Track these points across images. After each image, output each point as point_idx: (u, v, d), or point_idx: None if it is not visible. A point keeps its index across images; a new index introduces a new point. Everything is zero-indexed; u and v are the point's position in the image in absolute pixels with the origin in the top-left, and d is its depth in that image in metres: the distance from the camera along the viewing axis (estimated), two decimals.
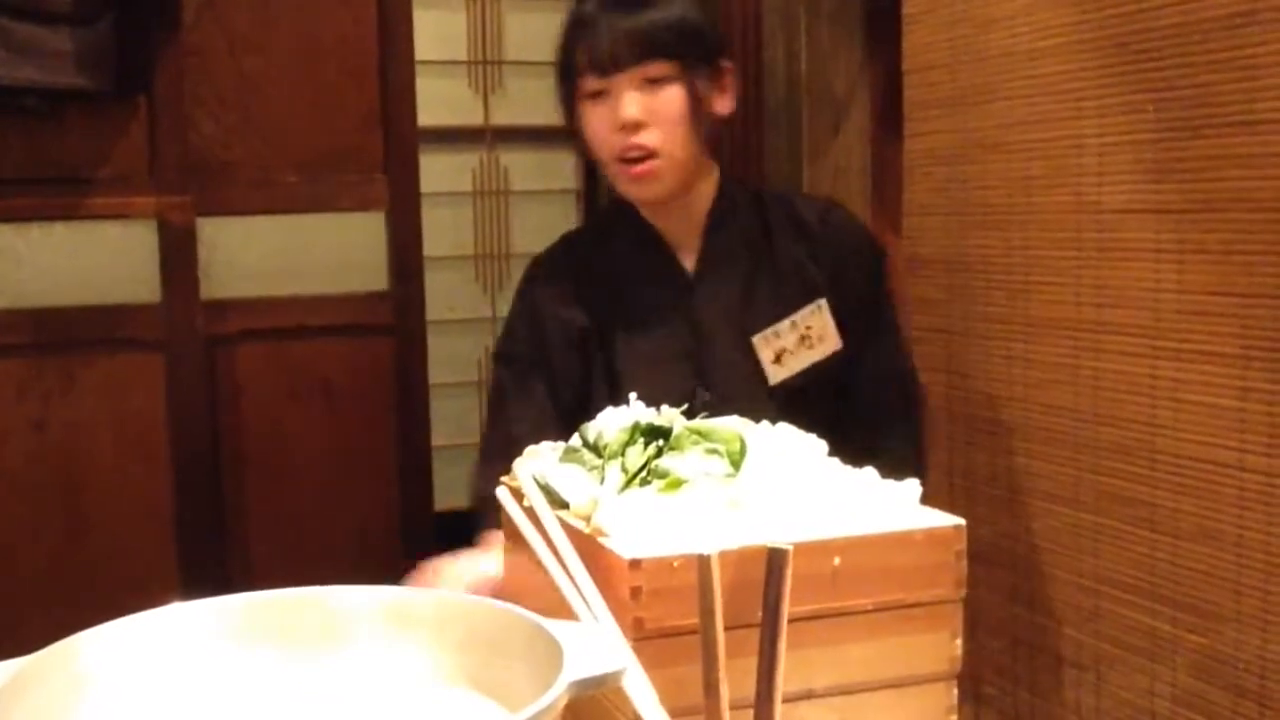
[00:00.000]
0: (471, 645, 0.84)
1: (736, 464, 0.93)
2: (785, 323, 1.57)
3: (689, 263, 1.62)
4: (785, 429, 1.02)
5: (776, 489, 0.92)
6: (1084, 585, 1.44)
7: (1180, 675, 1.32)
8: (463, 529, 2.95)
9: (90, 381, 2.35)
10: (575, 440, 1.04)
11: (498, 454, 1.32)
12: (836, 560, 0.88)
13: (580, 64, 1.53)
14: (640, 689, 0.80)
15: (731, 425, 0.97)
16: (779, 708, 0.79)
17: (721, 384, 1.58)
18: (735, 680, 0.79)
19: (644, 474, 0.94)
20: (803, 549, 0.83)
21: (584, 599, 0.86)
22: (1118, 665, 1.41)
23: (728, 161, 2.38)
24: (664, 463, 0.94)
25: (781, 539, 0.82)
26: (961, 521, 0.91)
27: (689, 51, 1.52)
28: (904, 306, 1.65)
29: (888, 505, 0.93)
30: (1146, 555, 1.35)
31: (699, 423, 0.98)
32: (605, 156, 1.55)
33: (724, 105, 1.59)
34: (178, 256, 2.38)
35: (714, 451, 0.94)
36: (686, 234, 1.62)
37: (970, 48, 1.53)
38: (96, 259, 2.37)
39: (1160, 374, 1.31)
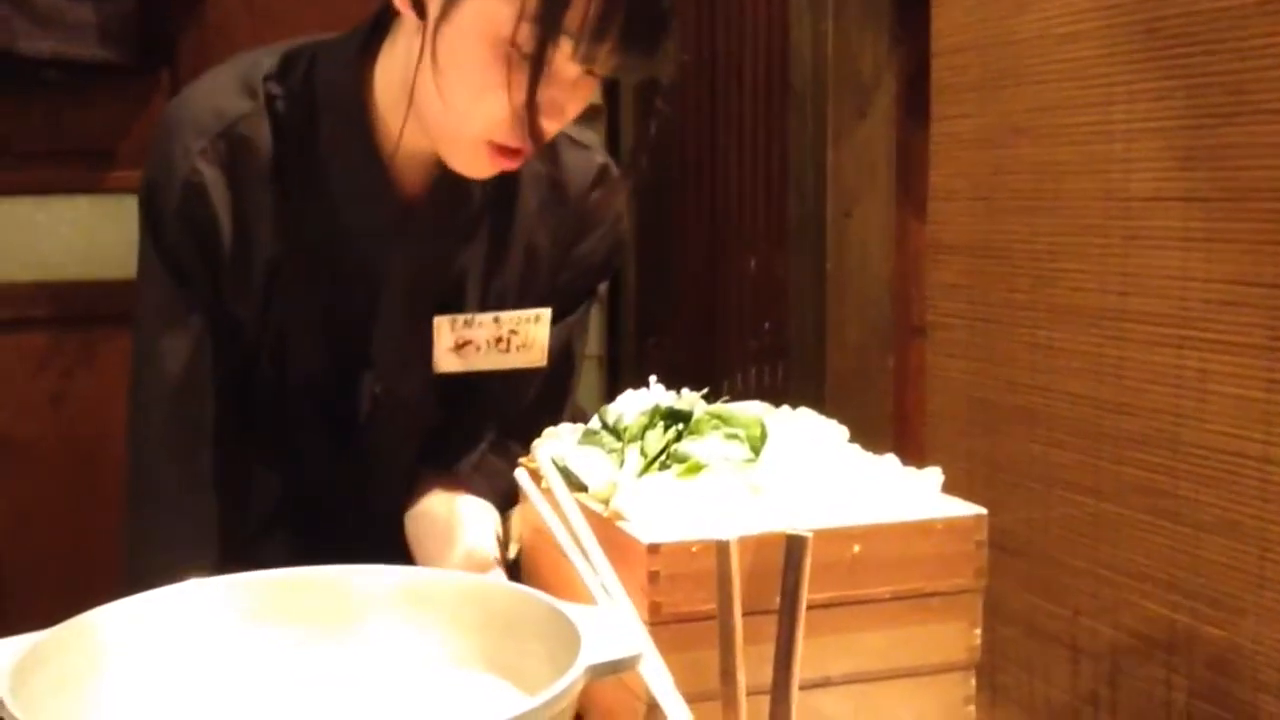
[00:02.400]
0: (487, 627, 0.84)
1: (757, 449, 0.93)
2: (488, 316, 1.24)
3: (409, 188, 1.22)
4: (806, 414, 1.01)
5: (797, 475, 0.91)
6: (1103, 576, 1.43)
7: (1198, 668, 1.31)
8: None
9: (109, 356, 2.36)
10: (594, 422, 1.04)
11: None
12: (856, 548, 0.87)
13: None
14: (656, 674, 0.80)
15: (752, 410, 0.97)
16: (796, 696, 0.78)
17: (385, 356, 1.27)
18: (752, 666, 0.79)
19: (663, 458, 0.94)
20: (822, 536, 0.82)
21: (601, 583, 0.85)
22: (1135, 657, 1.40)
23: (750, 143, 2.37)
24: (684, 447, 0.94)
25: (801, 526, 0.82)
26: (983, 511, 0.90)
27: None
28: (928, 292, 1.64)
29: (909, 493, 0.92)
30: (1167, 546, 1.34)
31: (720, 407, 0.98)
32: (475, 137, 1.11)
33: None
34: None
35: (734, 436, 0.94)
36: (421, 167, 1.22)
37: (1000, 31, 1.51)
38: (117, 233, 2.37)
39: (1186, 364, 1.30)
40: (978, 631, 0.92)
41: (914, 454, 0.98)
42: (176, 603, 0.84)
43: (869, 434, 1.00)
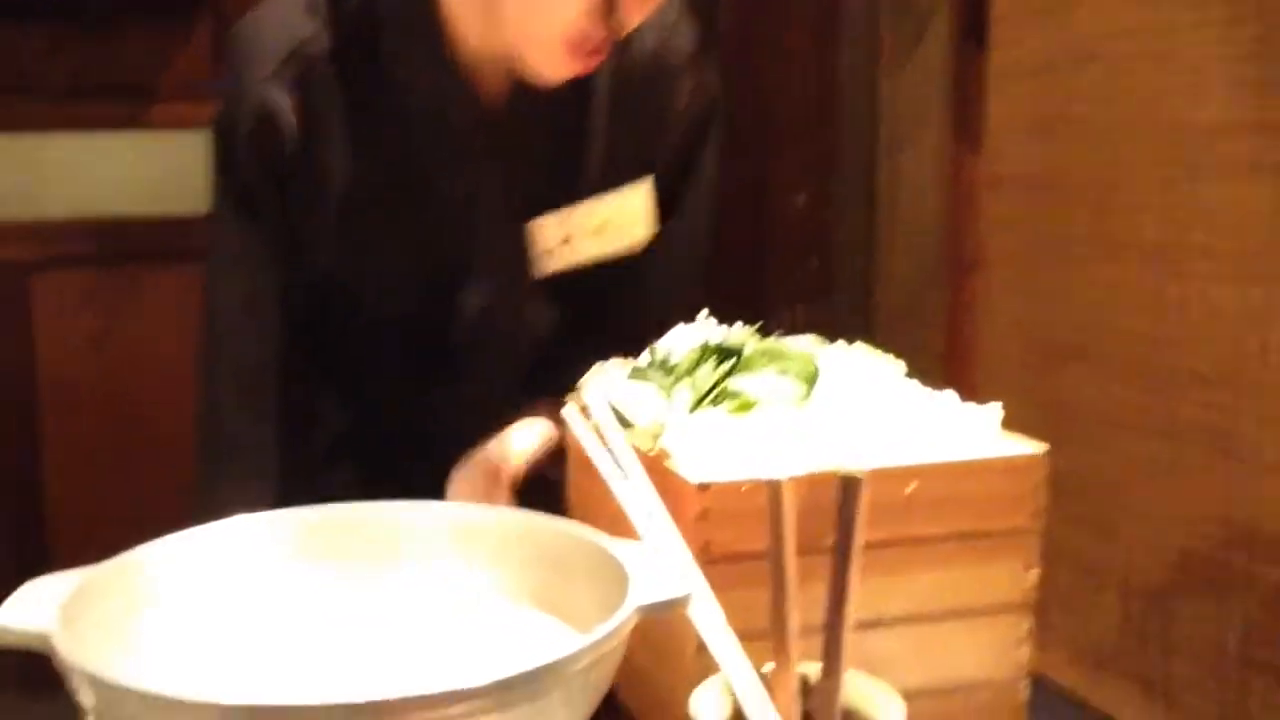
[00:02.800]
0: (534, 564, 0.83)
1: (810, 385, 0.91)
2: (582, 205, 1.20)
3: (487, 99, 1.19)
4: (861, 350, 0.98)
5: (850, 412, 0.89)
6: (1156, 516, 1.41)
7: (1253, 609, 1.29)
8: None
9: (153, 294, 2.36)
10: (644, 358, 1.02)
11: None
12: (911, 487, 0.85)
13: None
14: (706, 613, 0.78)
15: (805, 346, 0.94)
16: (849, 637, 0.77)
17: (483, 270, 1.22)
18: (802, 606, 0.78)
19: (714, 395, 0.92)
20: (876, 475, 0.80)
21: (651, 520, 0.84)
22: (1188, 598, 1.38)
23: (800, 71, 2.31)
24: (735, 383, 0.92)
25: (855, 465, 0.80)
26: (1043, 449, 0.88)
27: None
28: (983, 226, 1.61)
29: (967, 431, 0.90)
30: (1223, 487, 1.31)
31: (772, 343, 0.95)
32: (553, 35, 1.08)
33: None
34: None
35: (786, 372, 0.91)
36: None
37: None
38: (159, 169, 2.37)
39: (1249, 301, 1.26)
40: (1034, 573, 0.89)
41: (966, 392, 0.96)
42: (223, 539, 0.83)
43: (920, 372, 0.97)
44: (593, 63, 1.09)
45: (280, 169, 1.15)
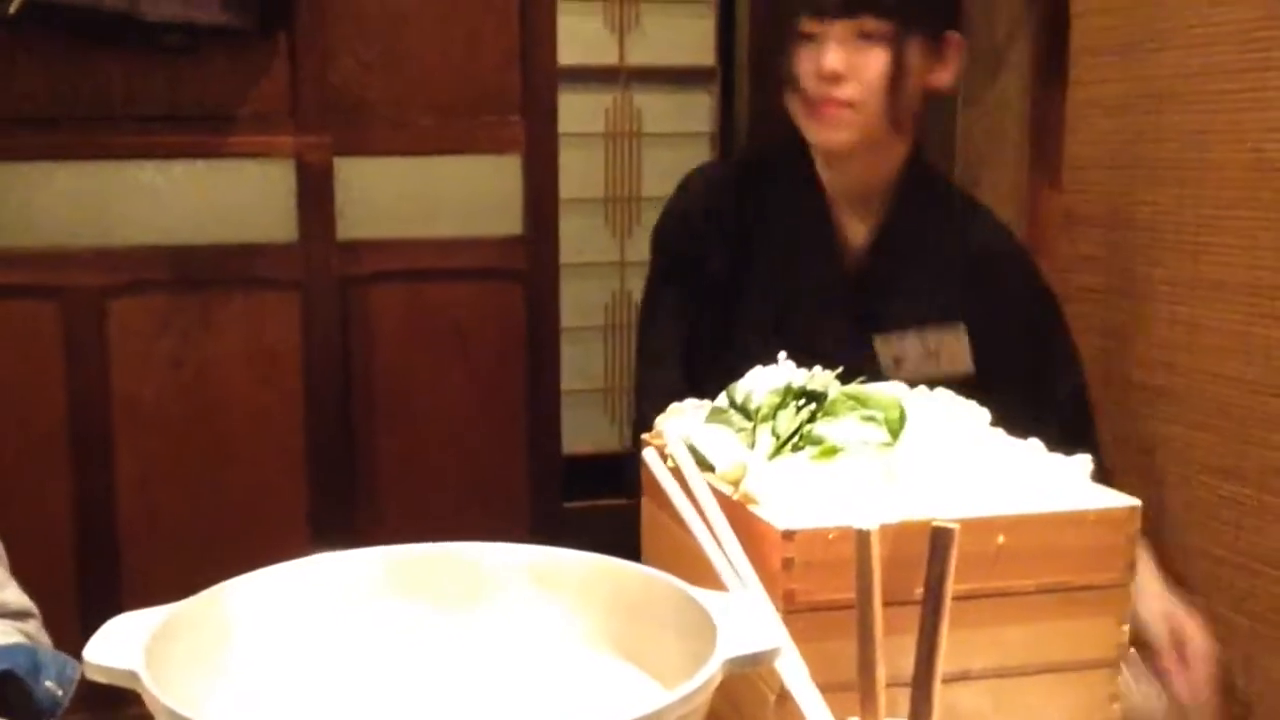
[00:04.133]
0: (617, 610, 0.82)
1: (895, 432, 0.89)
2: (911, 333, 1.52)
3: (851, 232, 1.57)
4: (945, 395, 0.97)
5: (937, 460, 0.88)
6: (1239, 563, 1.38)
7: None
8: (590, 474, 2.95)
9: (227, 319, 2.39)
10: (722, 400, 1.01)
11: (652, 361, 1.58)
12: (1000, 539, 0.84)
13: (799, 3, 1.50)
14: (792, 665, 0.77)
15: (890, 391, 0.93)
16: (938, 691, 0.75)
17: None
18: (888, 658, 0.76)
19: (796, 439, 0.91)
20: (966, 526, 0.79)
21: (734, 569, 0.83)
22: (1270, 647, 1.34)
23: None
24: (818, 429, 0.90)
25: (944, 515, 0.78)
26: (1137, 503, 0.86)
27: (908, 14, 1.47)
28: (1059, 263, 1.58)
29: (1056, 481, 0.88)
30: None
31: (855, 388, 0.94)
32: (798, 100, 1.51)
33: (942, 78, 1.54)
34: (315, 196, 2.39)
35: (871, 418, 0.90)
36: (857, 201, 1.57)
37: None
38: (236, 197, 2.40)
39: None
40: (1126, 628, 0.87)
41: None
42: (307, 576, 0.83)
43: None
44: (829, 113, 1.47)
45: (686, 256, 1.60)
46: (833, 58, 1.45)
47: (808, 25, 1.48)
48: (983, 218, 1.61)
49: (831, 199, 1.56)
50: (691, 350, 1.59)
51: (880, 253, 1.55)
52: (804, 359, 1.36)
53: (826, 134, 1.50)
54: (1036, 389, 1.51)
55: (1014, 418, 1.44)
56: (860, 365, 1.42)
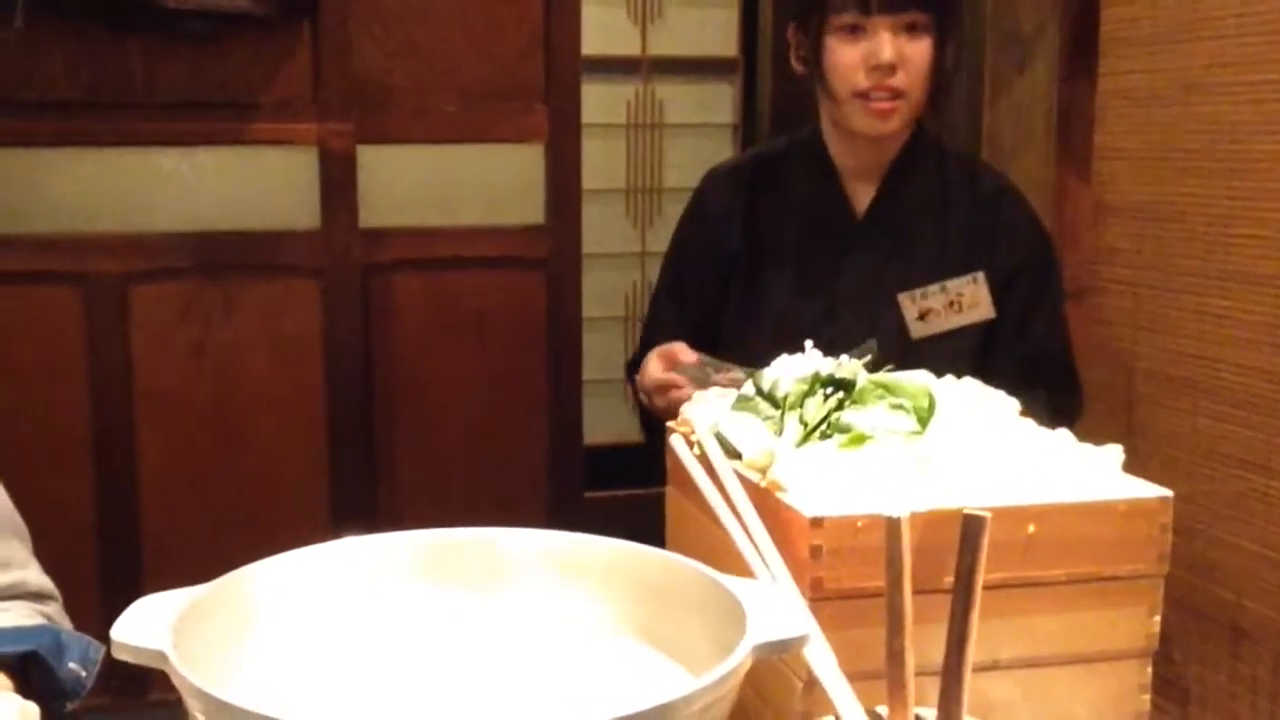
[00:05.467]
0: (643, 596, 0.82)
1: (924, 421, 0.88)
2: (935, 286, 1.59)
3: (861, 204, 1.64)
4: (974, 384, 0.96)
5: (966, 449, 0.87)
6: (1271, 557, 1.36)
7: None
8: (610, 464, 2.94)
9: (249, 306, 2.39)
10: (748, 388, 1.00)
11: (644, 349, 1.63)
12: (1031, 528, 0.83)
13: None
14: (820, 653, 0.76)
15: (919, 379, 0.92)
16: (968, 680, 0.74)
17: (853, 333, 1.54)
18: (916, 647, 0.76)
19: (824, 427, 0.90)
20: (996, 515, 0.78)
21: (762, 556, 0.82)
22: None
23: None
24: (846, 417, 0.90)
25: (974, 503, 0.78)
26: (1168, 493, 0.85)
27: (945, 6, 1.57)
28: (1087, 255, 1.57)
29: (1086, 471, 0.87)
30: None
31: (884, 376, 0.93)
32: (847, 90, 1.56)
33: (949, 59, 1.63)
34: (337, 184, 2.39)
35: (899, 407, 0.89)
36: (866, 175, 1.64)
37: None
38: (258, 184, 2.40)
39: None
40: (1157, 619, 0.87)
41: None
42: (332, 559, 0.83)
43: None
44: (889, 107, 1.52)
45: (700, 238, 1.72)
46: (888, 49, 1.52)
47: (851, 19, 1.54)
48: (983, 165, 1.70)
49: (840, 173, 1.64)
50: (715, 328, 1.67)
51: (880, 215, 1.62)
52: (824, 323, 1.40)
53: (879, 124, 1.56)
54: (1027, 340, 1.59)
55: (995, 347, 1.56)
56: (877, 326, 1.54)
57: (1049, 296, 1.61)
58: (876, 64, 1.52)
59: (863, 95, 1.55)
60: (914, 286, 1.60)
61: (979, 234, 1.61)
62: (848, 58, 1.54)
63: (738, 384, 1.12)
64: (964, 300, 1.58)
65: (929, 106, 1.62)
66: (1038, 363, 1.59)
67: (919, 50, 1.53)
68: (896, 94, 1.54)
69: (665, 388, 1.52)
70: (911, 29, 1.53)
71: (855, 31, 1.54)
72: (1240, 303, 1.36)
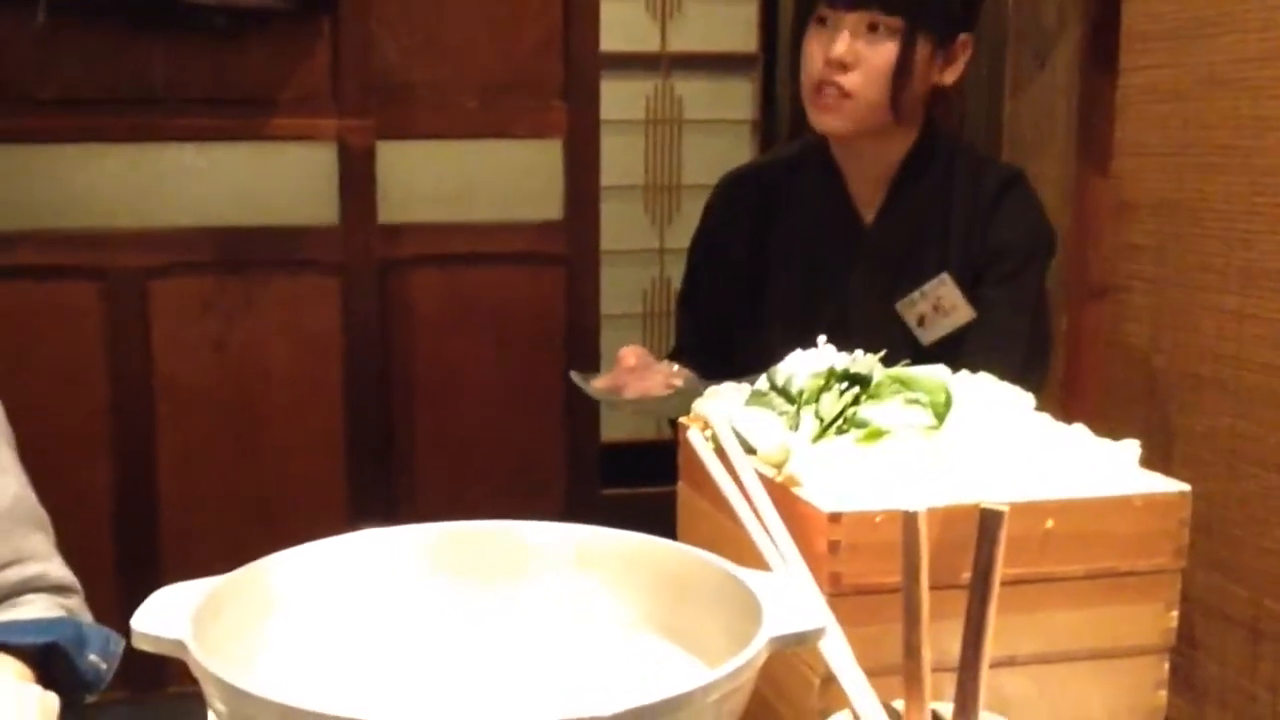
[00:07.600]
0: (661, 589, 0.82)
1: (940, 416, 0.88)
2: (917, 293, 1.58)
3: (869, 210, 1.63)
4: (990, 379, 0.96)
5: (983, 444, 0.87)
6: None
7: None
8: (627, 461, 2.94)
9: (268, 301, 2.40)
10: (762, 383, 1.00)
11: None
12: (1049, 523, 0.83)
13: None
14: (837, 648, 0.76)
15: (935, 374, 0.92)
16: (985, 676, 0.74)
17: (865, 343, 1.54)
18: (934, 642, 0.76)
19: (840, 422, 0.90)
20: (1014, 510, 0.78)
21: (779, 551, 0.82)
22: None
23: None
24: (862, 412, 0.90)
25: (991, 498, 0.78)
26: (1186, 488, 0.85)
27: (918, 13, 1.51)
28: (1107, 252, 1.56)
29: (1103, 466, 0.87)
30: None
31: (901, 370, 0.93)
32: (808, 84, 1.56)
33: (948, 76, 1.59)
34: (357, 179, 2.40)
35: (916, 402, 0.89)
36: (872, 184, 1.62)
37: None
38: (277, 180, 2.41)
39: None
40: (1174, 614, 0.86)
41: (1086, 423, 0.93)
42: (351, 551, 0.83)
43: (1038, 401, 0.95)
44: (827, 104, 1.52)
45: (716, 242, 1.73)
46: (840, 45, 1.51)
47: (821, 10, 1.54)
48: (991, 161, 1.69)
49: (847, 178, 1.63)
50: (726, 335, 1.67)
51: (887, 223, 1.61)
52: (835, 332, 1.42)
53: (822, 119, 1.56)
54: (995, 289, 1.57)
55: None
56: (889, 335, 1.52)
57: (1020, 283, 1.58)
58: (827, 59, 1.52)
59: (816, 90, 1.54)
60: (907, 294, 1.59)
61: (979, 231, 1.59)
62: (810, 49, 1.55)
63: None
64: (943, 303, 1.56)
65: (923, 116, 1.60)
66: (984, 329, 1.56)
67: (877, 53, 1.51)
68: (844, 93, 1.52)
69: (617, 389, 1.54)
70: (874, 29, 1.51)
71: (822, 24, 1.54)
72: (1263, 300, 1.36)
